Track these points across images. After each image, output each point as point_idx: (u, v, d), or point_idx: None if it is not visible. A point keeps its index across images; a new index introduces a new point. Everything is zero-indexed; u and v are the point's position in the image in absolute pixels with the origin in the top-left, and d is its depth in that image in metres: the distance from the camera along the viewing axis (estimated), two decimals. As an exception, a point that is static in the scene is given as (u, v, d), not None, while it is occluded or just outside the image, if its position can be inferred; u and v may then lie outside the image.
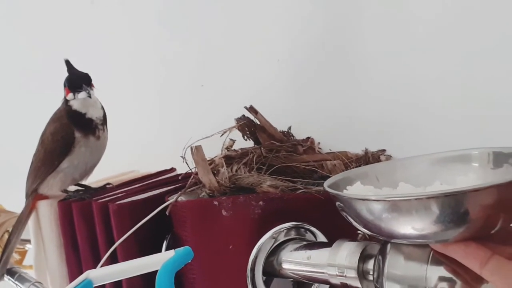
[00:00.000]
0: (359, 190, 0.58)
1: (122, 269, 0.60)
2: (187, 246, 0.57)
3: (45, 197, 1.02)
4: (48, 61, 1.47)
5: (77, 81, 0.97)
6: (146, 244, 0.92)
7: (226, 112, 1.01)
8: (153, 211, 0.89)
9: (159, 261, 0.57)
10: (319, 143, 1.06)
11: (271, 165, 0.99)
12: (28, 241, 1.10)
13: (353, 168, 0.95)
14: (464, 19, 0.91)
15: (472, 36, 0.90)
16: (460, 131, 0.93)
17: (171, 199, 0.89)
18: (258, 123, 1.02)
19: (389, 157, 0.98)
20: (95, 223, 0.94)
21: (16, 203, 1.16)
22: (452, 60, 0.93)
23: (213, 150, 1.00)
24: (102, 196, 0.97)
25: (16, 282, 1.00)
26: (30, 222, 1.03)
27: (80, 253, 0.97)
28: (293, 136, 1.06)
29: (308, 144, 1.04)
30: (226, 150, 0.99)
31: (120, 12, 1.35)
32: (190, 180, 0.93)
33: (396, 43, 0.98)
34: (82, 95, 0.97)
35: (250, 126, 1.02)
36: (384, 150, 0.98)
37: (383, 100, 1.00)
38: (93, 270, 0.60)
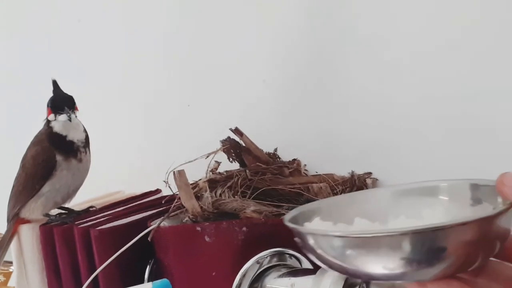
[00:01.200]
0: (319, 227, 0.54)
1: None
2: (165, 279, 0.56)
3: (27, 221, 1.00)
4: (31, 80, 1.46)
5: (60, 102, 0.96)
6: (128, 270, 0.91)
7: (211, 134, 1.00)
8: (136, 236, 0.88)
9: (135, 295, 0.56)
10: (305, 165, 1.05)
11: (256, 188, 0.98)
12: (12, 262, 1.09)
13: (339, 191, 0.95)
14: (443, 44, 0.91)
15: (452, 58, 0.90)
16: (445, 152, 0.92)
17: (154, 225, 0.88)
18: (244, 145, 1.01)
19: (375, 180, 0.97)
20: (77, 249, 0.92)
21: None
22: (437, 81, 0.92)
23: (199, 171, 0.99)
24: (84, 220, 0.95)
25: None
26: (12, 246, 1.01)
27: (62, 278, 0.95)
28: (279, 158, 1.05)
29: (294, 166, 1.04)
30: (210, 173, 0.98)
31: (106, 31, 1.34)
32: (173, 204, 0.92)
33: (380, 66, 0.97)
34: (62, 117, 0.96)
35: (236, 148, 1.01)
36: (370, 173, 0.98)
37: (369, 123, 0.99)
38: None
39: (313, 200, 0.93)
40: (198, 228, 0.83)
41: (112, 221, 0.94)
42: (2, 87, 1.55)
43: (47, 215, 1.00)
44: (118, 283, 0.80)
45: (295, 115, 1.08)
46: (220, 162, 1.00)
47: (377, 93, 0.98)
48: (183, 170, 0.88)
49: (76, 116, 0.98)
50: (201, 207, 0.87)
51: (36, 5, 1.46)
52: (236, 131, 1.00)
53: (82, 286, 0.90)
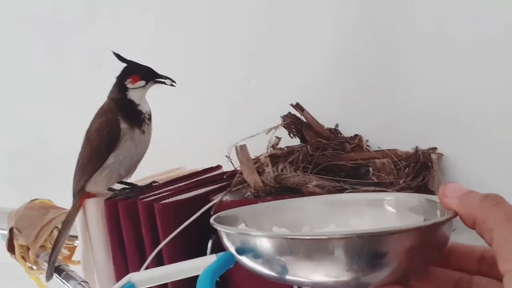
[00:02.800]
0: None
1: (163, 273, 0.59)
2: (227, 251, 0.56)
3: (92, 195, 1.02)
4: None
5: (153, 71, 1.00)
6: (192, 244, 0.91)
7: (272, 110, 1.00)
8: (198, 210, 0.88)
9: (200, 266, 0.56)
10: (367, 140, 1.03)
11: (317, 164, 0.97)
12: (77, 237, 1.11)
13: (402, 166, 0.93)
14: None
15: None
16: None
17: (216, 199, 0.88)
18: (305, 120, 1.00)
19: (440, 155, 0.95)
20: (141, 222, 0.94)
21: (65, 201, 1.18)
22: (505, 57, 0.89)
23: (259, 148, 0.99)
24: (148, 195, 0.96)
25: (63, 281, 1.01)
26: (78, 220, 1.03)
27: (127, 252, 0.97)
28: (341, 134, 1.04)
29: (356, 142, 1.02)
30: (271, 149, 0.98)
31: (168, 8, 1.35)
32: (235, 179, 0.92)
33: (446, 41, 0.95)
34: (168, 81, 0.99)
35: (297, 123, 1.01)
36: (435, 148, 0.95)
37: (434, 97, 0.97)
38: (135, 273, 0.59)
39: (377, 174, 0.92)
40: (260, 202, 0.83)
41: (175, 196, 0.95)
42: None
43: (111, 189, 1.02)
44: (182, 256, 0.81)
45: (356, 90, 1.07)
46: (281, 138, 1.00)
47: (443, 68, 0.95)
48: (245, 145, 0.88)
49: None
50: (263, 182, 0.87)
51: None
52: (297, 106, 1.00)
53: (146, 259, 0.91)
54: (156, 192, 0.98)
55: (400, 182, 0.86)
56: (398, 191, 0.84)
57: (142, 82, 0.99)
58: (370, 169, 0.94)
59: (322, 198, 0.61)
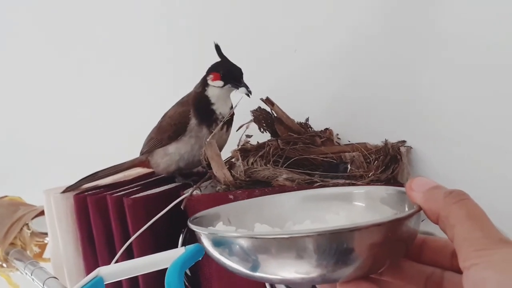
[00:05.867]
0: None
1: (132, 266, 0.59)
2: (197, 244, 0.55)
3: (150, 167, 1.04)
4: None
5: (238, 73, 0.96)
6: (162, 239, 0.91)
7: (243, 103, 1.00)
8: (168, 205, 0.88)
9: (169, 258, 0.56)
10: (337, 134, 1.04)
11: (288, 158, 0.98)
12: (47, 234, 1.10)
13: (372, 160, 0.94)
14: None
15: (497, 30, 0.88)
16: (479, 120, 0.90)
17: (186, 193, 0.88)
18: (275, 115, 1.01)
19: (409, 149, 0.95)
20: (111, 217, 0.93)
21: (35, 198, 1.17)
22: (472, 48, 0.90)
23: (231, 144, 0.99)
24: (117, 189, 0.96)
25: (33, 277, 0.99)
26: (47, 217, 1.02)
27: (96, 247, 0.96)
28: (311, 128, 1.04)
29: (327, 135, 1.03)
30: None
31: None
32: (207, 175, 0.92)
33: (414, 33, 0.95)
34: (242, 90, 0.95)
35: (267, 118, 1.01)
36: (404, 141, 0.96)
37: (402, 90, 0.97)
38: (104, 267, 0.59)
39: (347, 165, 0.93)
40: (231, 196, 0.83)
41: (145, 190, 0.94)
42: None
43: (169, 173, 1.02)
44: (152, 251, 0.80)
45: (327, 84, 1.07)
46: (252, 135, 1.00)
47: (410, 59, 0.96)
48: (213, 141, 0.88)
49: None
50: (233, 176, 0.87)
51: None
52: (267, 101, 1.00)
53: (116, 254, 0.91)
54: (126, 187, 0.98)
55: (370, 175, 0.87)
56: (368, 183, 0.84)
57: (220, 83, 0.96)
58: (349, 165, 0.94)
59: (299, 193, 0.61)
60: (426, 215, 0.44)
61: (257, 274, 0.45)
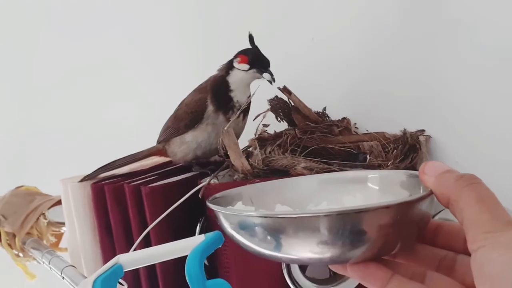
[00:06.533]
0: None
1: (152, 254, 0.59)
2: (217, 231, 0.56)
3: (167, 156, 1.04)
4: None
5: (266, 61, 0.96)
6: (179, 227, 0.91)
7: (260, 92, 0.99)
8: (185, 194, 0.88)
9: (188, 246, 0.56)
10: (355, 123, 1.03)
11: (305, 147, 0.97)
12: (64, 223, 1.10)
13: (390, 149, 0.93)
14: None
15: None
16: (499, 112, 0.89)
17: (204, 182, 0.87)
18: (292, 104, 1.00)
19: (428, 138, 0.94)
20: (128, 206, 0.93)
21: (51, 187, 1.17)
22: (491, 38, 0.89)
23: (248, 133, 0.99)
24: (135, 178, 0.96)
25: (51, 266, 1.00)
26: (64, 206, 1.03)
27: (114, 236, 0.96)
28: (329, 117, 1.03)
29: (344, 125, 1.02)
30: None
31: None
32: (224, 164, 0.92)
33: (431, 23, 0.94)
34: (266, 76, 0.95)
35: (284, 107, 1.00)
36: (423, 130, 0.95)
37: (421, 79, 0.96)
38: (123, 254, 0.59)
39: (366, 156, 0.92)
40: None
41: (162, 179, 0.94)
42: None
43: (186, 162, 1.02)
44: (169, 240, 0.80)
45: (344, 73, 1.06)
46: (269, 125, 0.99)
47: (431, 50, 0.95)
48: (231, 129, 0.88)
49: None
50: (251, 165, 0.86)
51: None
52: (284, 90, 0.99)
53: (133, 243, 0.91)
54: (143, 176, 0.98)
55: (389, 164, 0.86)
56: (387, 172, 0.84)
57: (246, 66, 0.95)
58: (368, 156, 0.93)
59: (319, 176, 0.62)
60: (437, 199, 0.44)
61: (272, 253, 0.46)
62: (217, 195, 0.57)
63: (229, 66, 0.98)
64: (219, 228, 0.53)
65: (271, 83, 0.95)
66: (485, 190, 0.42)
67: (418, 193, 0.50)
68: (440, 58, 0.94)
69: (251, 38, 0.96)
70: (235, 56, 0.97)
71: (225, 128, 0.88)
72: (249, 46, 0.97)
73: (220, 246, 0.57)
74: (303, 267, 0.82)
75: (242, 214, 0.48)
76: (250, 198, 0.58)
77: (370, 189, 0.58)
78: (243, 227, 0.47)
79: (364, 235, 0.43)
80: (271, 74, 0.95)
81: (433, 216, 0.53)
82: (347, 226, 0.42)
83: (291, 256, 0.45)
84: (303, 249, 0.44)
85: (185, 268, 0.54)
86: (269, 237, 0.45)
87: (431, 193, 0.45)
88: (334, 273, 0.83)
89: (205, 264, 0.93)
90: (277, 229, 0.44)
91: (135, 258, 0.59)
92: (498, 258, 0.38)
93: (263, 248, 0.46)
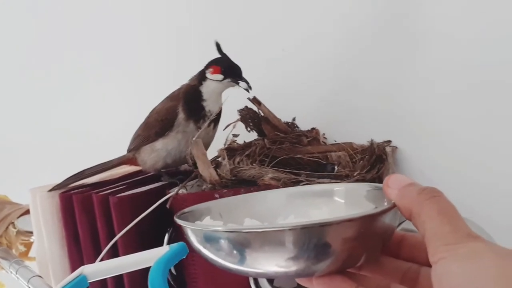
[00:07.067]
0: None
1: (116, 265, 0.59)
2: (182, 242, 0.56)
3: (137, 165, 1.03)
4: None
5: (239, 70, 0.96)
6: (148, 237, 0.91)
7: (230, 103, 1.00)
8: (154, 203, 0.88)
9: (153, 257, 0.56)
10: (324, 134, 1.04)
11: (274, 157, 0.98)
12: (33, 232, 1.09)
13: (358, 159, 0.94)
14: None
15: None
16: (463, 120, 0.91)
17: (172, 192, 0.88)
18: (262, 114, 1.01)
19: (394, 148, 0.96)
20: (96, 216, 0.93)
21: (21, 196, 1.16)
22: (455, 48, 0.91)
23: (218, 143, 0.99)
24: (103, 188, 0.96)
25: (18, 276, 0.99)
26: (32, 216, 1.02)
27: (82, 246, 0.96)
28: (298, 127, 1.04)
29: (313, 135, 1.03)
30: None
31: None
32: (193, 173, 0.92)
33: (395, 34, 0.96)
34: (243, 84, 0.95)
35: (254, 117, 1.01)
36: (389, 141, 0.97)
37: (388, 91, 0.98)
38: (88, 265, 0.59)
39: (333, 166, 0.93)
40: (217, 195, 0.83)
41: (131, 189, 0.94)
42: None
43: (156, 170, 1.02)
44: (137, 249, 0.80)
45: (313, 84, 1.07)
46: (238, 135, 1.00)
47: (398, 65, 0.96)
48: (200, 140, 0.88)
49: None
50: (219, 175, 0.87)
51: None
52: (254, 100, 1.00)
53: (101, 253, 0.90)
54: (112, 185, 0.98)
55: (355, 175, 0.87)
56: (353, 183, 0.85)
57: (220, 76, 0.96)
58: (336, 166, 0.94)
59: (287, 190, 0.62)
60: (400, 212, 0.44)
61: (239, 267, 0.46)
62: (186, 210, 0.57)
63: (201, 77, 0.98)
64: (186, 239, 0.53)
65: (248, 91, 0.95)
66: (446, 203, 0.42)
67: (382, 206, 0.50)
68: (406, 74, 0.96)
69: (218, 46, 0.96)
70: (207, 67, 0.97)
71: (194, 139, 0.89)
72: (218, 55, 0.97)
73: (184, 257, 0.57)
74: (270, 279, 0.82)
75: (207, 229, 0.48)
76: (219, 212, 0.58)
77: (337, 202, 0.58)
78: (209, 242, 0.47)
79: (328, 248, 0.43)
80: (247, 82, 0.95)
81: (398, 225, 0.54)
82: (312, 239, 0.43)
83: (258, 270, 0.46)
84: (269, 263, 0.44)
85: (148, 279, 0.54)
86: (234, 252, 0.45)
87: (394, 206, 0.45)
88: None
89: (173, 274, 0.93)
90: (242, 243, 0.44)
91: (99, 269, 0.59)
92: (457, 269, 0.38)
93: (229, 262, 0.46)
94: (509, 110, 0.88)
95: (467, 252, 0.38)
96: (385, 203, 0.50)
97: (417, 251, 0.49)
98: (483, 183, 0.89)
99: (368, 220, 0.44)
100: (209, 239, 0.47)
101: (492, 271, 0.37)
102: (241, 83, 0.95)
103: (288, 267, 0.44)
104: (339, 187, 0.59)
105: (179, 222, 0.50)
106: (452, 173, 0.91)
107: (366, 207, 0.54)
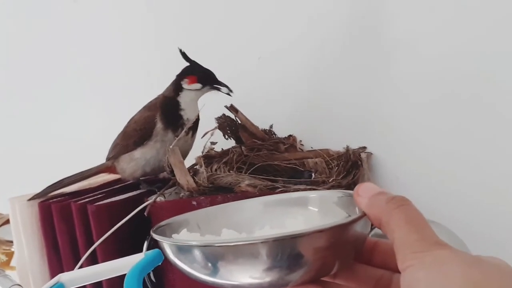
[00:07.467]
0: (187, 238, 0.56)
1: (93, 272, 0.59)
2: (156, 249, 0.57)
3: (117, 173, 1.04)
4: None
5: (213, 74, 0.97)
6: (127, 245, 0.91)
7: (207, 110, 1.01)
8: (132, 211, 0.89)
9: (128, 264, 0.56)
10: (301, 141, 1.06)
11: (252, 164, 0.99)
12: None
13: (334, 165, 0.95)
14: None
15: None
16: (439, 126, 0.93)
17: (150, 200, 0.88)
18: (239, 122, 1.02)
19: (369, 155, 0.98)
20: (75, 224, 0.93)
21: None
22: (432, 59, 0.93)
23: (195, 151, 1.00)
24: (82, 197, 0.96)
25: (-3, 285, 0.99)
26: (12, 223, 1.02)
27: (61, 254, 0.97)
28: (275, 134, 1.05)
29: (290, 142, 1.04)
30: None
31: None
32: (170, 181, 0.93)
33: (372, 43, 0.98)
34: (224, 90, 0.96)
35: (231, 125, 1.02)
36: (364, 147, 0.98)
37: (363, 98, 1.00)
38: (65, 273, 0.59)
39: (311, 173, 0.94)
40: (194, 202, 0.84)
41: (110, 197, 0.95)
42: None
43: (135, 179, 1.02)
44: (116, 257, 0.81)
45: (290, 92, 1.09)
46: (216, 142, 1.01)
47: (372, 74, 0.98)
48: (176, 148, 0.89)
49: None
50: (196, 182, 0.88)
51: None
52: (231, 108, 1.01)
53: (80, 261, 0.91)
54: (91, 194, 0.98)
55: (330, 181, 0.88)
56: (329, 189, 0.86)
57: (198, 85, 0.96)
58: (313, 173, 0.96)
59: (263, 199, 0.63)
60: (370, 220, 0.45)
61: (213, 279, 0.47)
62: (163, 223, 0.57)
63: (177, 88, 0.98)
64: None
65: (229, 94, 0.96)
66: (414, 211, 0.43)
67: (354, 213, 0.51)
68: (381, 82, 0.98)
69: (184, 54, 0.96)
70: (181, 78, 0.98)
71: (170, 147, 0.89)
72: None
73: (160, 264, 0.58)
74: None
75: (181, 243, 0.48)
76: (197, 223, 0.59)
77: (311, 210, 0.59)
78: (184, 255, 0.47)
79: (301, 259, 0.44)
80: (227, 86, 0.96)
81: (371, 231, 0.55)
82: (284, 251, 0.43)
83: (232, 282, 0.46)
84: (243, 276, 0.45)
85: (124, 286, 0.55)
86: (209, 265, 0.46)
87: (364, 215, 0.46)
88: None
89: (151, 281, 0.94)
90: (216, 256, 0.45)
91: (76, 277, 0.60)
92: (424, 277, 0.39)
93: (204, 275, 0.47)
94: (477, 122, 0.90)
95: (433, 260, 0.39)
96: (357, 211, 0.51)
97: (389, 257, 0.50)
98: (453, 189, 0.92)
99: (338, 230, 0.44)
100: (184, 253, 0.47)
101: (458, 279, 0.38)
102: (222, 88, 0.96)
103: (262, 278, 0.44)
104: (313, 195, 0.60)
105: (155, 236, 0.51)
106: (425, 179, 0.93)
107: (339, 215, 0.55)
